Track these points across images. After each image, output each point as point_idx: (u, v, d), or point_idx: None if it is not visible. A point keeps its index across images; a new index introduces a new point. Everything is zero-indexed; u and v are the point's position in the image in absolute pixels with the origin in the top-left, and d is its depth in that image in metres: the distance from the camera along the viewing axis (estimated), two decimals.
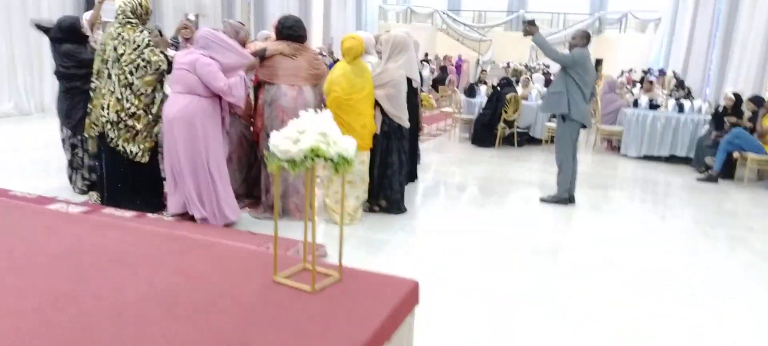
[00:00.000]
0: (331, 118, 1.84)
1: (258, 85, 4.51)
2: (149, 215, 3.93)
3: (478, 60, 22.31)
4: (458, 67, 19.47)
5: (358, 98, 4.20)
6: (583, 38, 5.15)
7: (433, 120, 11.13)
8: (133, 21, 4.05)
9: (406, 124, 4.64)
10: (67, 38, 4.57)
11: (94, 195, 4.51)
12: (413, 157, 5.90)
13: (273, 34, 4.64)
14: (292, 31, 4.35)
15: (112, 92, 4.01)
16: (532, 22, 5.20)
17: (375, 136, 4.57)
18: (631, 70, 17.27)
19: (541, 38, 5.16)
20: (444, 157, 7.98)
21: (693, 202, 6.10)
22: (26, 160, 6.12)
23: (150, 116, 4.10)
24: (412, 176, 5.93)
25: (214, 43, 3.86)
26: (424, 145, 8.55)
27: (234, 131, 4.53)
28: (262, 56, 4.26)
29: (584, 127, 5.29)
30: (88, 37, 4.71)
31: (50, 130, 7.65)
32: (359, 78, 4.21)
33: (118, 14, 4.06)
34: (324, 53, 9.65)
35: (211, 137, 3.93)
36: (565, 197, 5.37)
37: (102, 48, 4.08)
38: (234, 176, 4.54)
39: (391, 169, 4.58)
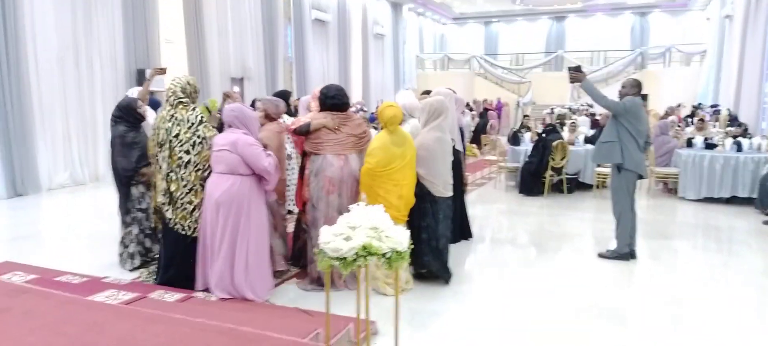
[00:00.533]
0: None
1: (304, 154, 4.54)
2: (197, 294, 3.90)
3: (518, 102, 22.14)
4: (498, 110, 19.38)
5: (397, 167, 4.11)
6: (634, 87, 4.99)
7: (476, 168, 10.99)
8: (184, 100, 4.15)
9: (445, 192, 4.48)
10: (122, 117, 4.74)
11: (145, 272, 4.56)
12: (462, 214, 5.78)
13: (314, 104, 4.67)
14: (335, 101, 4.36)
15: (169, 173, 4.09)
16: (578, 69, 5.07)
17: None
18: (678, 106, 16.73)
19: (589, 85, 5.03)
20: (491, 208, 7.81)
21: (761, 248, 5.72)
22: (81, 233, 6.27)
23: (203, 192, 4.15)
24: (465, 234, 5.81)
25: (243, 120, 3.92)
26: (468, 197, 8.41)
27: (272, 205, 4.53)
28: (306, 131, 4.29)
29: (641, 177, 5.07)
30: (143, 118, 4.85)
31: (103, 200, 7.90)
32: (399, 147, 4.14)
33: (169, 96, 4.16)
34: (364, 108, 9.72)
35: (255, 217, 3.93)
36: (625, 252, 5.11)
37: (156, 132, 4.18)
38: (278, 246, 4.53)
39: (426, 235, 4.42)
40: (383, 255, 1.88)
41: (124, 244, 4.81)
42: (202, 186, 4.10)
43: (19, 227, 6.65)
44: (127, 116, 4.75)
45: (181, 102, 4.14)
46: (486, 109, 17.55)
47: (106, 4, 10.04)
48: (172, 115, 4.10)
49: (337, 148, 4.30)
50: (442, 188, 4.42)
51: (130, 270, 4.73)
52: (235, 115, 3.94)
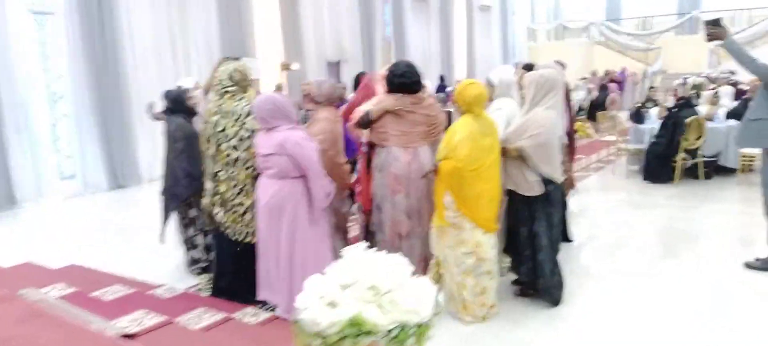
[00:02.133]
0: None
1: (370, 146, 3.90)
2: (238, 315, 3.41)
3: (646, 72, 19.86)
4: (621, 83, 17.38)
5: (488, 163, 3.32)
6: None
7: (592, 150, 9.71)
8: (231, 89, 3.66)
9: (559, 178, 3.62)
10: (176, 108, 4.39)
11: (204, 279, 4.20)
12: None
13: (381, 87, 3.99)
14: (404, 79, 3.65)
15: (219, 171, 3.66)
16: (716, 22, 3.90)
17: (514, 202, 3.64)
18: None
19: (734, 43, 3.86)
20: (607, 199, 6.68)
21: None
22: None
23: (253, 193, 3.66)
24: (564, 236, 4.88)
25: (281, 111, 3.31)
26: (582, 184, 7.34)
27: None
28: (367, 122, 3.65)
29: None
30: (195, 110, 4.47)
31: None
32: (488, 137, 3.33)
33: (216, 85, 3.71)
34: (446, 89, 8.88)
35: (302, 223, 3.35)
36: None
37: (204, 126, 3.75)
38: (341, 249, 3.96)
39: (540, 246, 3.58)
40: (388, 332, 1.10)
41: (188, 245, 4.48)
42: (254, 187, 3.62)
43: (111, 222, 6.71)
44: (179, 107, 4.38)
45: (228, 91, 3.66)
46: (611, 81, 15.75)
47: None
48: (219, 107, 3.64)
49: (403, 139, 3.63)
50: (558, 174, 3.57)
51: (198, 274, 4.40)
52: (269, 108, 3.30)
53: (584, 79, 16.27)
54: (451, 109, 5.77)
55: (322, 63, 12.73)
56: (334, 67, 13.19)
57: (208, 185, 3.73)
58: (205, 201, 3.73)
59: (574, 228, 5.14)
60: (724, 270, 4.15)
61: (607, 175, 8.03)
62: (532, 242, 3.58)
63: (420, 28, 16.33)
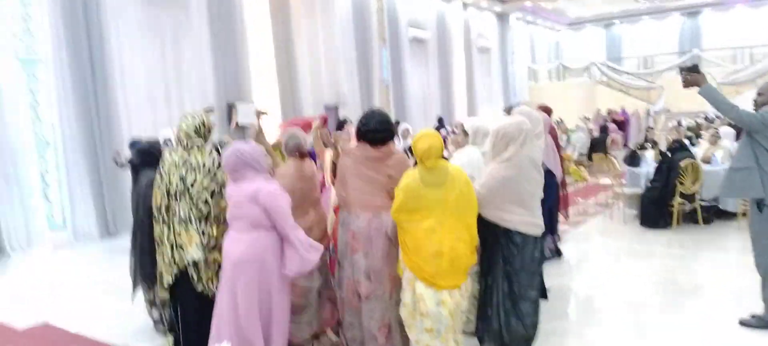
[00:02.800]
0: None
1: None
2: None
3: (649, 111, 19.75)
4: (622, 123, 17.19)
5: (432, 216, 3.12)
6: None
7: (590, 193, 9.52)
8: (198, 143, 3.55)
9: (532, 230, 3.45)
10: (147, 162, 4.24)
11: (170, 342, 4.01)
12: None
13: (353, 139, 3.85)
14: (369, 129, 3.42)
15: (188, 228, 3.50)
16: (693, 68, 3.78)
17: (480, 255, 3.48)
18: None
19: (711, 90, 3.70)
20: (600, 246, 6.48)
21: None
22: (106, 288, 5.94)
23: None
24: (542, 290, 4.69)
25: (251, 162, 3.18)
26: (576, 230, 7.15)
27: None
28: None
29: None
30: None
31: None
32: (436, 189, 3.14)
33: (180, 139, 3.59)
34: (455, 131, 8.76)
35: (279, 278, 3.19)
36: None
37: (166, 179, 3.60)
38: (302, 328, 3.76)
39: (490, 300, 3.41)
40: None
41: (154, 304, 4.31)
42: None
43: (93, 275, 6.55)
44: (152, 161, 4.24)
45: (195, 145, 3.54)
46: (613, 121, 15.61)
47: (195, 39, 10.09)
48: (185, 160, 3.52)
49: (364, 196, 3.41)
50: (525, 225, 3.38)
51: (165, 333, 4.21)
52: (234, 159, 3.16)
53: (586, 118, 16.14)
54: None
55: (320, 107, 12.71)
56: (332, 111, 13.14)
57: (168, 242, 3.54)
58: (167, 258, 3.53)
59: (561, 278, 4.93)
60: (719, 327, 3.92)
61: (604, 220, 7.82)
62: (486, 295, 3.41)
63: (418, 71, 16.38)
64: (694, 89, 3.75)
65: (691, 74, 3.71)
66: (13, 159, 7.55)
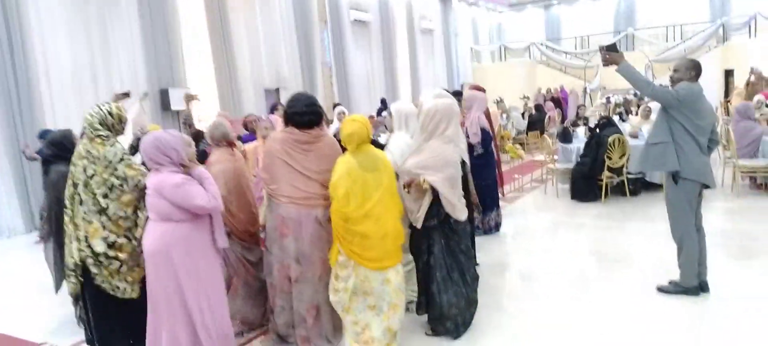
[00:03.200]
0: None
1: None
2: None
3: (585, 89, 20.36)
4: (561, 101, 17.68)
5: (375, 199, 3.15)
6: (690, 69, 3.73)
7: (524, 170, 9.74)
8: (102, 134, 3.36)
9: (461, 215, 3.51)
10: (59, 155, 4.02)
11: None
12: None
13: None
14: (301, 117, 3.37)
15: (89, 221, 3.34)
16: (612, 47, 3.90)
17: (414, 234, 3.52)
18: (763, 79, 14.51)
19: (628, 68, 3.79)
20: (534, 221, 6.65)
21: None
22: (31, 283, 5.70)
23: (134, 242, 3.37)
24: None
25: (162, 151, 3.07)
26: (513, 206, 7.31)
27: (231, 253, 3.68)
28: None
29: (706, 187, 3.85)
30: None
31: None
32: (371, 172, 3.17)
33: (85, 128, 3.41)
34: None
35: (193, 270, 3.09)
36: (693, 285, 3.90)
37: (72, 170, 3.43)
38: (239, 307, 3.70)
39: (434, 277, 3.46)
40: None
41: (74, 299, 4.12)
42: (128, 239, 3.34)
43: (14, 271, 6.24)
44: (64, 154, 4.01)
45: (99, 135, 3.36)
46: (552, 99, 16.01)
47: (122, 17, 9.64)
48: (88, 151, 3.34)
49: (294, 188, 3.34)
50: (460, 211, 3.47)
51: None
52: (151, 147, 3.05)
53: (526, 97, 16.49)
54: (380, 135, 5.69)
55: (260, 90, 12.46)
56: (273, 94, 12.92)
57: (71, 232, 3.38)
58: (75, 253, 3.38)
59: (494, 253, 5.04)
60: (640, 295, 4.09)
61: (537, 196, 8.03)
62: (428, 273, 3.45)
63: (361, 53, 16.27)
64: (614, 67, 3.85)
65: (610, 53, 3.81)
66: None
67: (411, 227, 3.51)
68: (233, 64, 11.70)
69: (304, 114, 3.36)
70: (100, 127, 3.33)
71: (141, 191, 3.30)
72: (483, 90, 6.58)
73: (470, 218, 3.96)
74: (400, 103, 4.07)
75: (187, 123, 7.85)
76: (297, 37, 13.50)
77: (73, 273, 3.38)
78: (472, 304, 3.61)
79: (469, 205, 4.78)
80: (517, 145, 9.14)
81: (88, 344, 3.62)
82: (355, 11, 15.74)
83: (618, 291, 4.22)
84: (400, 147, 3.78)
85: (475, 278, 3.67)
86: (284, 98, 12.84)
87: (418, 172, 3.34)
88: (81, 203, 3.33)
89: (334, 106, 10.15)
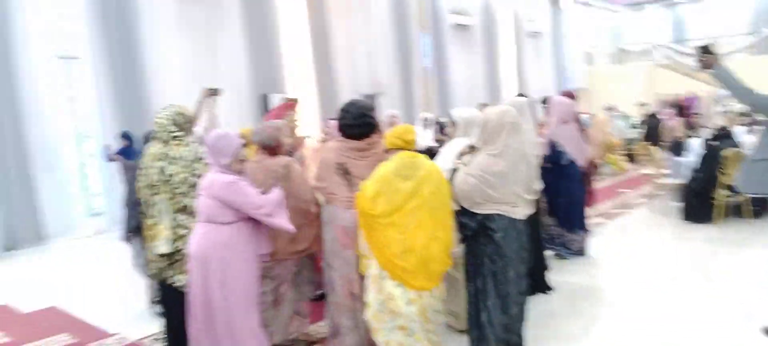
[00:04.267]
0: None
1: None
2: None
3: (716, 96, 18.43)
4: (684, 108, 16.06)
5: (406, 209, 2.94)
6: None
7: (633, 184, 8.91)
8: (178, 134, 3.49)
9: (517, 212, 3.20)
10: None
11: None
12: (538, 266, 4.38)
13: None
14: (351, 129, 3.29)
15: (160, 222, 3.47)
16: (706, 49, 3.40)
17: (466, 256, 3.27)
18: None
19: (723, 72, 3.31)
20: (631, 242, 6.02)
21: None
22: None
23: None
24: (540, 285, 4.44)
25: (214, 152, 3.09)
26: (612, 223, 6.72)
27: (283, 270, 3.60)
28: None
29: None
30: None
31: None
32: (407, 180, 2.96)
33: (159, 131, 3.55)
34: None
35: (230, 275, 3.09)
36: None
37: (145, 172, 3.58)
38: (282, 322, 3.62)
39: (485, 305, 3.18)
40: None
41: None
42: None
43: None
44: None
45: (174, 136, 3.49)
46: (676, 106, 14.60)
47: (228, 31, 10.18)
48: (165, 153, 3.48)
49: (348, 191, 3.26)
50: (514, 206, 3.14)
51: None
52: (209, 146, 3.15)
53: (643, 104, 15.19)
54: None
55: (357, 96, 12.58)
56: (370, 100, 13.02)
57: (151, 233, 3.54)
58: (159, 250, 3.52)
59: (578, 276, 4.60)
60: (741, 336, 3.51)
61: (643, 214, 7.30)
62: (477, 300, 3.18)
63: (462, 57, 15.95)
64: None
65: (705, 55, 3.32)
66: (53, 151, 7.88)
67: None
68: (333, 70, 11.95)
69: (353, 127, 3.29)
70: (174, 128, 3.45)
71: None
72: (572, 96, 6.13)
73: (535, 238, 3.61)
74: (462, 110, 3.83)
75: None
76: (395, 42, 13.52)
77: (151, 267, 3.54)
78: (513, 332, 3.27)
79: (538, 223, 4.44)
80: (623, 157, 8.38)
81: (163, 339, 3.73)
82: (456, 15, 15.46)
83: (717, 330, 3.65)
84: (447, 153, 3.56)
85: (521, 303, 3.30)
86: (382, 104, 12.91)
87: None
88: (155, 204, 3.46)
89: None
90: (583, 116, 12.99)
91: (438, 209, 3.04)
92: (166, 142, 3.48)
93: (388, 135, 3.07)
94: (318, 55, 11.69)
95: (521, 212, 3.17)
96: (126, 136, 5.01)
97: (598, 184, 7.96)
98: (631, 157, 10.40)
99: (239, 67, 10.36)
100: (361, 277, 3.20)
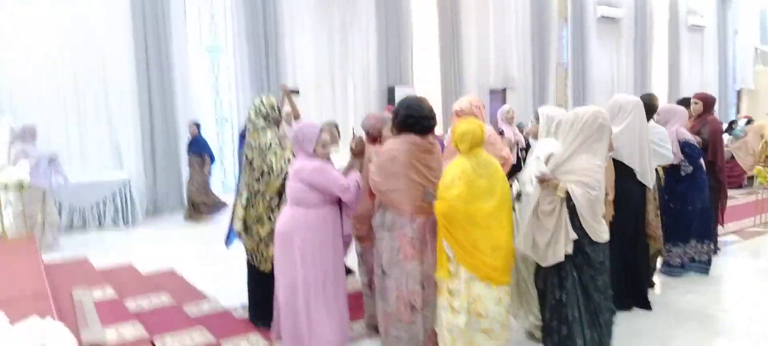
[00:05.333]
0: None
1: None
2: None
3: None
4: None
5: (487, 208, 2.90)
6: None
7: None
8: (261, 125, 3.77)
9: (602, 237, 3.03)
10: None
11: None
12: (637, 280, 3.99)
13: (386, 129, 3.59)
14: (409, 118, 3.12)
15: (238, 202, 3.84)
16: None
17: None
18: None
19: None
20: (761, 266, 5.27)
21: None
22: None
23: (273, 223, 3.72)
24: (642, 301, 4.08)
25: (297, 142, 3.28)
26: (748, 243, 5.97)
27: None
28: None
29: None
30: None
31: None
32: (484, 179, 2.92)
33: (247, 123, 3.89)
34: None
35: (310, 255, 3.26)
36: None
37: (243, 158, 3.95)
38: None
39: (567, 317, 3.05)
40: None
41: None
42: (269, 218, 3.70)
43: None
44: None
45: (256, 126, 3.77)
46: None
47: (362, 24, 10.62)
48: (248, 143, 3.81)
49: (416, 197, 3.10)
50: (601, 232, 3.04)
51: None
52: (293, 136, 3.38)
53: None
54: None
55: (485, 91, 12.39)
56: (499, 94, 12.74)
57: (238, 211, 3.87)
58: (236, 226, 3.88)
59: (688, 297, 4.16)
60: None
61: None
62: (560, 312, 3.02)
63: (606, 52, 14.93)
64: None
65: None
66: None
67: None
68: (459, 63, 11.88)
69: (423, 119, 3.14)
70: (257, 119, 3.73)
71: (284, 179, 3.62)
72: (713, 100, 5.54)
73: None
74: (548, 108, 3.64)
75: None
76: (531, 35, 13.05)
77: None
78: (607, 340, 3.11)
79: (643, 234, 4.08)
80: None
81: (251, 317, 4.05)
82: (604, 7, 14.46)
83: None
84: (545, 151, 3.38)
85: (610, 322, 3.11)
86: (510, 100, 12.58)
87: (560, 177, 2.99)
88: (245, 184, 3.80)
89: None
90: (741, 121, 11.56)
91: (508, 205, 3.03)
92: (252, 132, 3.79)
93: (458, 133, 2.96)
94: (445, 49, 11.65)
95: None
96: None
97: (747, 198, 7.07)
98: None
99: (369, 60, 10.75)
100: (425, 286, 3.18)
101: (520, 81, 12.92)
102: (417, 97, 3.35)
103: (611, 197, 3.72)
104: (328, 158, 3.35)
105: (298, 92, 9.09)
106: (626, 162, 3.83)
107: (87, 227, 7.53)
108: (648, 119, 4.45)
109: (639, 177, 3.87)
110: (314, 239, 3.27)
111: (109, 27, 8.01)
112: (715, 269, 4.99)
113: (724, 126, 13.57)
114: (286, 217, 3.34)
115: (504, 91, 12.79)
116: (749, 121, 11.51)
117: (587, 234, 2.97)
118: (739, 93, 18.50)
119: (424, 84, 11.39)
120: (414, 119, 3.15)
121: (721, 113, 17.22)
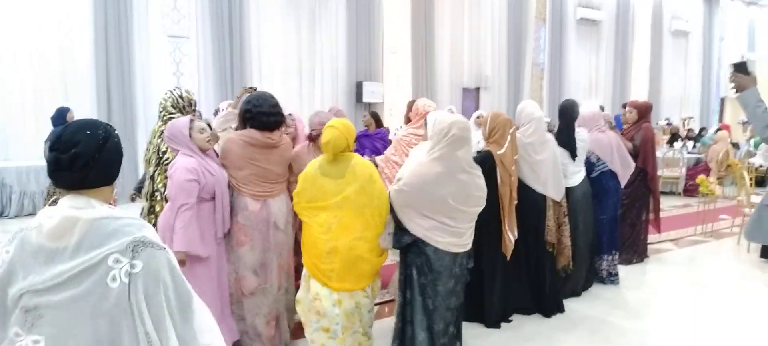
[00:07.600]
0: None
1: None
2: None
3: None
4: None
5: (324, 205, 2.92)
6: None
7: (731, 213, 7.71)
8: (175, 115, 3.78)
9: (449, 247, 3.03)
10: None
11: None
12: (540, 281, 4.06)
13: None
14: (259, 119, 3.16)
15: (155, 191, 3.82)
16: (740, 67, 2.91)
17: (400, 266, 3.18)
18: None
19: (748, 97, 2.83)
20: (688, 276, 5.28)
21: None
22: None
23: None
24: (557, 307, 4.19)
25: (170, 139, 3.26)
26: (681, 252, 6.01)
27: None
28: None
29: None
30: None
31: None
32: (334, 179, 2.92)
33: (160, 111, 3.86)
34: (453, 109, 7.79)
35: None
36: None
37: (147, 148, 3.94)
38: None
39: (410, 317, 3.09)
40: None
41: None
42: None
43: None
44: None
45: (172, 117, 3.79)
46: None
47: (331, 16, 10.60)
48: (162, 131, 3.80)
49: (253, 186, 3.21)
50: (439, 241, 3.01)
51: None
52: (167, 136, 3.27)
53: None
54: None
55: (457, 90, 12.38)
56: (472, 93, 12.72)
57: (145, 204, 3.89)
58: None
59: (596, 309, 4.19)
60: None
61: (726, 245, 6.34)
62: (403, 311, 3.07)
63: (585, 54, 14.88)
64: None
65: (737, 75, 2.87)
66: (154, 119, 8.84)
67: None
68: (431, 62, 11.84)
69: (262, 114, 3.17)
70: (173, 109, 3.73)
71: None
72: (648, 107, 5.60)
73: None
74: (438, 113, 3.63)
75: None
76: (507, 35, 13.00)
77: None
78: None
79: (543, 242, 4.09)
80: (714, 180, 7.29)
81: None
82: (584, 9, 14.39)
83: None
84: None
85: (445, 332, 3.09)
86: (483, 100, 12.57)
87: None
88: (151, 179, 3.79)
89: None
90: (711, 130, 11.54)
91: (364, 207, 2.94)
92: (164, 121, 3.78)
93: (323, 142, 2.94)
94: (416, 45, 11.59)
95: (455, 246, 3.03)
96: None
97: (703, 206, 7.10)
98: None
99: (338, 53, 10.72)
100: (258, 273, 3.28)
101: (494, 81, 12.89)
102: (263, 93, 3.32)
103: (514, 202, 3.75)
104: (208, 143, 3.22)
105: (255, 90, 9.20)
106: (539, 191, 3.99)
107: (37, 211, 7.58)
108: (571, 125, 4.51)
109: (546, 190, 3.96)
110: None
111: (69, 11, 8.04)
112: (640, 277, 5.01)
113: (696, 132, 13.59)
114: (165, 212, 3.32)
115: (477, 90, 12.77)
116: (718, 129, 11.51)
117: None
118: (722, 100, 18.43)
119: (395, 80, 11.37)
120: (251, 114, 3.18)
121: (704, 120, 17.15)
